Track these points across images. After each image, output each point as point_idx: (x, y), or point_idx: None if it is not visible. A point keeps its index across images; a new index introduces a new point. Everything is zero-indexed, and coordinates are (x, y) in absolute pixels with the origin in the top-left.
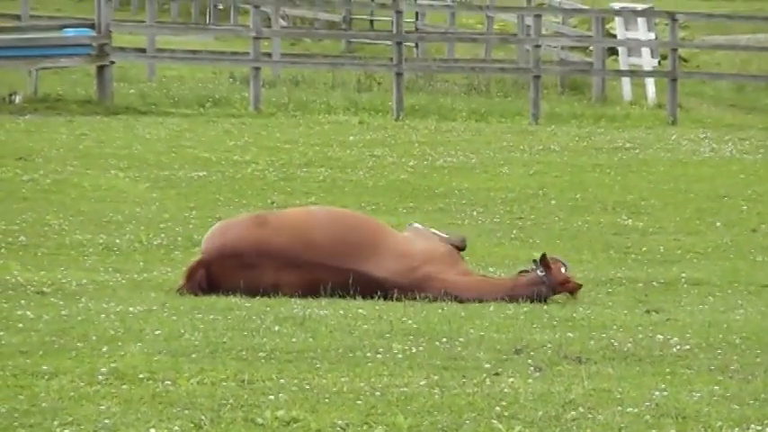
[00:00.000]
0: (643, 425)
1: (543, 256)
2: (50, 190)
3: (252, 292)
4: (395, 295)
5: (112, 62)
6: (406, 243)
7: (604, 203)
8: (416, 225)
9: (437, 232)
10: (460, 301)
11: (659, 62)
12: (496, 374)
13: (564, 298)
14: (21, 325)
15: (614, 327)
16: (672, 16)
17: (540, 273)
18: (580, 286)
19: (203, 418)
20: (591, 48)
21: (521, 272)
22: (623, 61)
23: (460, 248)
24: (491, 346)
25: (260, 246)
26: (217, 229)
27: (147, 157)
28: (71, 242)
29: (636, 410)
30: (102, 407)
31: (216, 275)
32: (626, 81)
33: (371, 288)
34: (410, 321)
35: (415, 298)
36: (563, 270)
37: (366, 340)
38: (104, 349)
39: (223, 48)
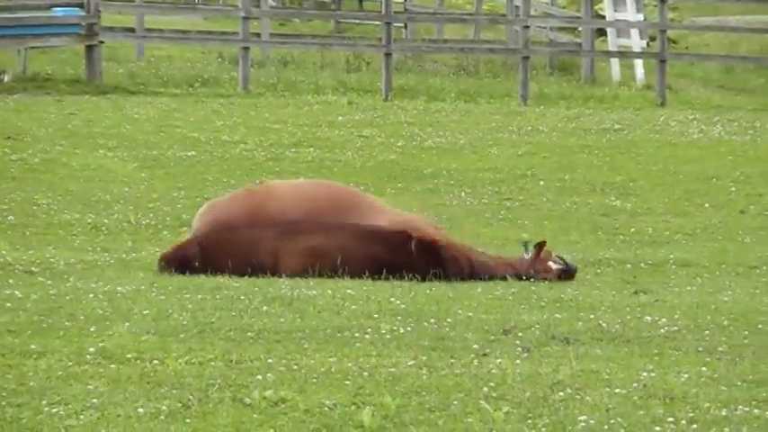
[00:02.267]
0: (631, 406)
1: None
2: (39, 169)
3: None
4: None
5: (101, 42)
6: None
7: (593, 184)
8: None
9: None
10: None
11: (648, 43)
12: (484, 355)
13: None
14: (9, 304)
15: (602, 308)
16: None
17: (525, 256)
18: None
19: (191, 397)
20: (580, 29)
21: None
22: (612, 42)
23: None
24: (479, 326)
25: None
26: (205, 207)
27: (135, 136)
28: (59, 221)
29: (624, 391)
30: (90, 386)
31: (213, 245)
32: (615, 62)
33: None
34: (398, 302)
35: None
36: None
37: (354, 320)
38: (92, 329)
39: (212, 28)
